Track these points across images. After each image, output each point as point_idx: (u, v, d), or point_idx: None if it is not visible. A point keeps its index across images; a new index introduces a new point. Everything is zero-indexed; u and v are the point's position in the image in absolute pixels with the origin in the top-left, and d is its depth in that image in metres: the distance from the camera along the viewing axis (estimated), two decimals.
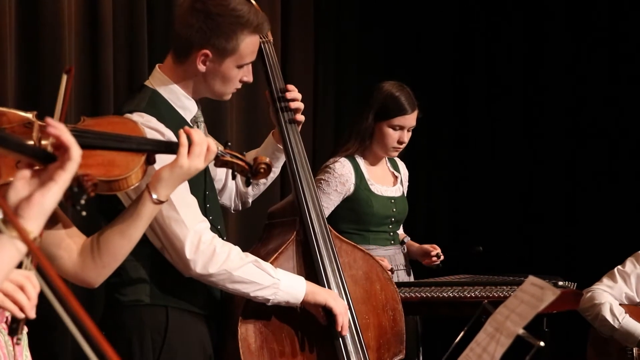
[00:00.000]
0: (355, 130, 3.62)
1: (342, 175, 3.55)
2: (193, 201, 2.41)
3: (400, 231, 3.83)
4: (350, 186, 3.57)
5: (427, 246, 3.68)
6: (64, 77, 2.03)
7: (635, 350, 3.52)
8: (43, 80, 3.26)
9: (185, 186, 2.36)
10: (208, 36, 2.41)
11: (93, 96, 3.47)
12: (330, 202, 3.53)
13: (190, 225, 2.36)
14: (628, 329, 3.47)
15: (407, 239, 3.79)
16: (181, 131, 2.15)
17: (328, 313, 2.56)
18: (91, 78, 3.47)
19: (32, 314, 1.67)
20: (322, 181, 3.53)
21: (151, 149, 2.10)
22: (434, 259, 3.63)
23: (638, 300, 3.59)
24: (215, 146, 2.18)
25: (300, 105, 2.72)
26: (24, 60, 3.27)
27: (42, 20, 3.28)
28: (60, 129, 1.45)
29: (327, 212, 3.50)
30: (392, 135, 3.57)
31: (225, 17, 2.41)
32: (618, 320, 3.48)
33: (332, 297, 2.55)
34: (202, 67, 2.45)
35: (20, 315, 1.66)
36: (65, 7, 3.32)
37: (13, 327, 1.70)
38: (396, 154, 3.65)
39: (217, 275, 2.39)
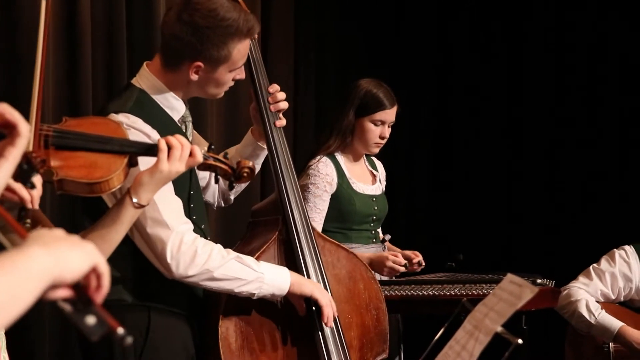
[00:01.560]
0: (337, 128, 3.62)
1: (327, 175, 3.56)
2: (176, 202, 2.40)
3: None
4: (334, 184, 3.58)
5: (409, 252, 3.67)
6: (43, 4, 1.98)
7: (611, 345, 3.55)
8: (20, 78, 3.23)
9: (169, 187, 2.35)
10: (199, 50, 2.38)
11: (71, 94, 3.44)
12: (324, 203, 3.53)
13: (173, 227, 2.35)
14: (604, 324, 3.51)
15: (388, 237, 3.80)
16: (159, 138, 2.15)
17: (310, 306, 2.56)
18: (69, 75, 3.44)
19: (36, 206, 1.75)
20: (309, 185, 3.52)
21: (133, 151, 2.10)
22: (415, 266, 3.62)
23: (613, 297, 3.63)
24: (200, 152, 2.18)
25: (284, 105, 2.71)
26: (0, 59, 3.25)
27: (18, 16, 3.26)
28: (3, 107, 1.44)
29: (323, 215, 3.50)
30: (374, 130, 3.59)
31: (214, 29, 2.38)
32: (594, 316, 3.52)
33: (318, 288, 2.55)
34: (194, 77, 2.43)
35: (30, 206, 1.73)
36: (43, 3, 3.29)
37: (22, 214, 1.72)
38: (377, 150, 3.66)
39: (199, 275, 2.39)
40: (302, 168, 3.63)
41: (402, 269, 3.46)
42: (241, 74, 2.51)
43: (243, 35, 2.42)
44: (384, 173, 3.85)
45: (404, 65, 5.31)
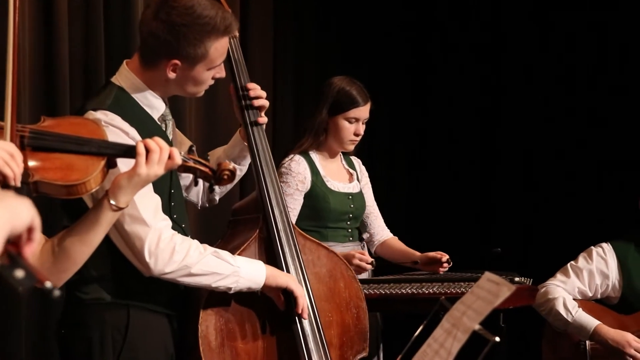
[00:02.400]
0: (310, 126, 3.63)
1: (299, 174, 3.55)
2: (155, 199, 2.39)
3: (384, 227, 3.82)
4: (308, 183, 3.58)
5: (433, 254, 3.58)
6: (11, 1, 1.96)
7: (588, 343, 3.58)
8: None
9: (148, 185, 2.35)
10: (176, 48, 2.38)
11: (48, 91, 3.42)
12: (295, 202, 3.53)
13: (151, 224, 2.34)
14: (581, 322, 3.53)
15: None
16: (138, 141, 2.14)
17: (289, 303, 2.57)
18: (46, 73, 3.42)
19: (18, 184, 1.83)
20: (282, 184, 3.52)
21: (112, 153, 2.08)
22: (445, 264, 3.57)
23: (590, 294, 3.65)
24: (178, 155, 2.17)
25: (264, 102, 2.71)
26: None
27: None
28: None
29: (295, 214, 3.50)
30: (348, 128, 3.59)
31: (191, 27, 2.37)
32: (571, 314, 3.55)
33: (293, 280, 2.56)
34: (172, 75, 2.42)
35: (13, 183, 1.80)
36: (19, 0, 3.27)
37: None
38: (352, 147, 3.66)
39: (177, 271, 2.38)
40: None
41: (369, 267, 3.45)
42: (221, 73, 2.50)
43: (220, 33, 2.41)
44: (364, 170, 3.86)
45: (382, 63, 5.33)
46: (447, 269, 3.60)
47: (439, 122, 5.52)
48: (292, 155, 3.60)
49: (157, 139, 2.16)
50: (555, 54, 5.30)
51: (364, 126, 3.64)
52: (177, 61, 2.39)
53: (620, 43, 5.18)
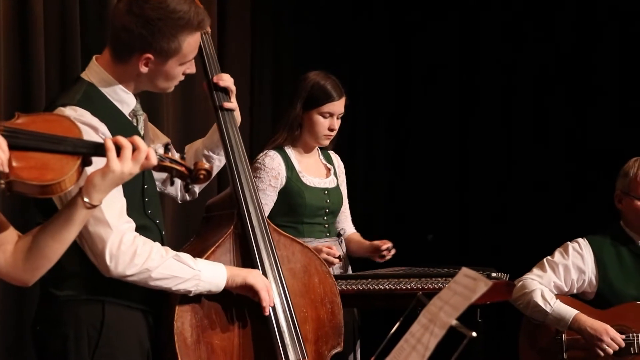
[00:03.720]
0: (284, 121, 3.62)
1: (273, 169, 3.54)
2: (120, 201, 2.38)
3: (350, 226, 3.83)
4: (282, 179, 3.57)
5: (377, 242, 3.65)
6: None
7: (564, 336, 3.61)
8: None
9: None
10: (149, 41, 2.37)
11: (24, 88, 3.40)
12: (268, 198, 3.52)
13: (114, 226, 2.33)
14: (560, 312, 3.57)
15: (344, 231, 3.79)
16: (105, 138, 2.12)
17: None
18: (22, 70, 3.39)
19: (6, 169, 1.87)
20: (255, 179, 3.51)
21: (87, 152, 2.05)
22: (386, 252, 3.62)
23: (566, 289, 3.68)
24: (154, 155, 2.16)
25: (232, 87, 2.72)
26: None
27: None
28: None
29: (267, 209, 3.50)
30: (323, 123, 3.59)
31: (164, 21, 2.37)
32: (550, 304, 3.58)
33: (252, 275, 2.54)
34: (144, 69, 2.42)
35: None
36: None
37: None
38: (327, 141, 3.65)
39: (138, 274, 2.38)
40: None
41: (337, 261, 3.44)
42: (191, 69, 2.51)
43: (194, 28, 2.41)
44: (342, 166, 3.85)
45: (362, 58, 5.32)
46: (388, 257, 3.60)
47: (419, 118, 5.52)
48: (266, 151, 3.59)
49: (135, 138, 2.14)
50: (533, 46, 5.32)
51: (339, 121, 3.63)
52: (150, 55, 2.38)
53: (594, 33, 5.19)
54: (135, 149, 2.12)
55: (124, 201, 2.39)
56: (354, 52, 5.32)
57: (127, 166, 2.10)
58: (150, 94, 3.35)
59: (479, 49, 5.44)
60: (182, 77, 2.51)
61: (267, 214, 3.47)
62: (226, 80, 2.74)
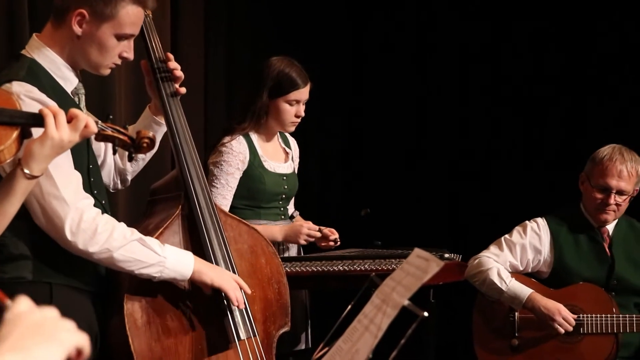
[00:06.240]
0: (251, 110, 3.59)
1: (240, 153, 3.54)
2: (76, 177, 2.34)
3: (290, 206, 3.83)
4: (246, 163, 3.56)
5: (326, 230, 3.66)
6: None
7: (517, 314, 3.66)
8: None
9: (68, 161, 2.30)
10: None
11: None
12: (235, 181, 3.52)
13: (72, 203, 2.30)
14: (515, 290, 3.61)
15: (297, 213, 3.79)
16: (42, 107, 2.08)
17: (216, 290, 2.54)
18: None
19: None
20: (222, 162, 3.49)
21: (24, 122, 2.02)
22: (331, 243, 3.64)
23: (521, 269, 3.72)
24: (94, 123, 2.12)
25: (181, 74, 2.68)
26: None
27: None
28: None
29: (233, 192, 3.50)
30: (290, 110, 3.58)
31: None
32: (505, 283, 3.62)
33: (219, 276, 2.53)
34: (77, 29, 2.37)
35: None
36: None
37: None
38: (293, 128, 3.66)
39: (99, 253, 2.35)
40: (213, 146, 3.59)
41: (318, 234, 3.54)
42: (129, 53, 2.46)
43: (135, 0, 2.38)
44: (297, 150, 3.84)
45: (315, 41, 5.29)
46: (333, 247, 3.64)
47: (374, 103, 5.51)
48: (234, 136, 3.56)
49: (73, 109, 2.11)
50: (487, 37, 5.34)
51: (304, 107, 3.61)
52: (83, 10, 2.35)
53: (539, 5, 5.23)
54: (73, 117, 2.07)
55: (78, 175, 2.35)
56: (309, 33, 5.28)
57: (64, 133, 2.05)
58: (103, 82, 3.29)
59: (438, 25, 5.41)
60: (117, 60, 2.45)
61: (232, 196, 3.49)
62: (176, 68, 2.69)
